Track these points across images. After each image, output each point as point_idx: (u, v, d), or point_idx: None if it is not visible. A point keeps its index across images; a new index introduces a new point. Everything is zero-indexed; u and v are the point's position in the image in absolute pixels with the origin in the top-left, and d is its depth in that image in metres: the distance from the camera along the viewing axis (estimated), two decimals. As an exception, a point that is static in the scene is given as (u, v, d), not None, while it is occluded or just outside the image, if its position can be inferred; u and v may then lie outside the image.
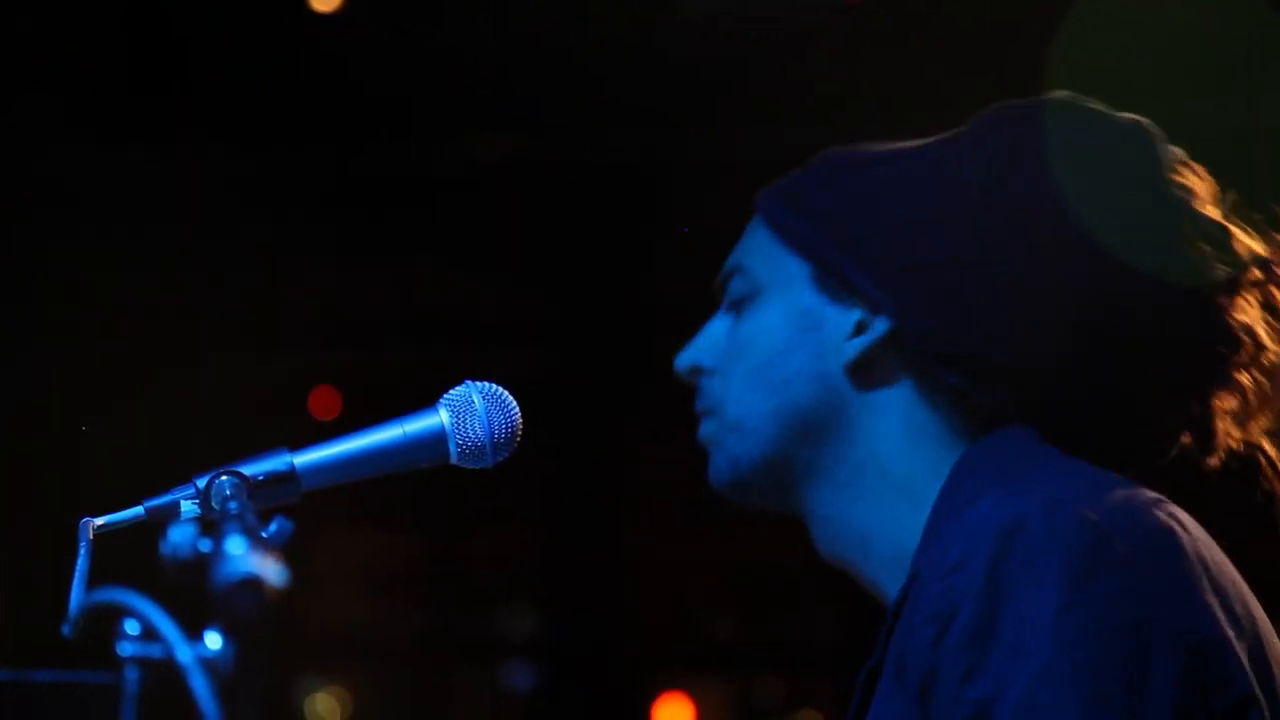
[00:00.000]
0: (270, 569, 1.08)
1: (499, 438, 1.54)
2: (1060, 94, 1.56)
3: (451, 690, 7.54)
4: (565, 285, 5.98)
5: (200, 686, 1.05)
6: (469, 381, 1.56)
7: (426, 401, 1.54)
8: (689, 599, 7.52)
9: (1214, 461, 1.53)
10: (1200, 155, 1.54)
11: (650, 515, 6.60)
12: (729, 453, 1.60)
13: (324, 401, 6.17)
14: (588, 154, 5.16)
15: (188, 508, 1.45)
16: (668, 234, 5.47)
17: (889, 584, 1.53)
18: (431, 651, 7.34)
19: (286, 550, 1.24)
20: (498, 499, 6.64)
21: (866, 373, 1.55)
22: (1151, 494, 1.44)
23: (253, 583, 1.06)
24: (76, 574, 1.39)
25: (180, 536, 1.17)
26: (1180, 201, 1.52)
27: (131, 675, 1.10)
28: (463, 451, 1.54)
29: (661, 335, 6.64)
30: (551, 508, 6.39)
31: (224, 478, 1.46)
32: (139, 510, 1.46)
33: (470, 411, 1.53)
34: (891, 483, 1.53)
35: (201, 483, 1.46)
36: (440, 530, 7.25)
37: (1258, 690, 1.36)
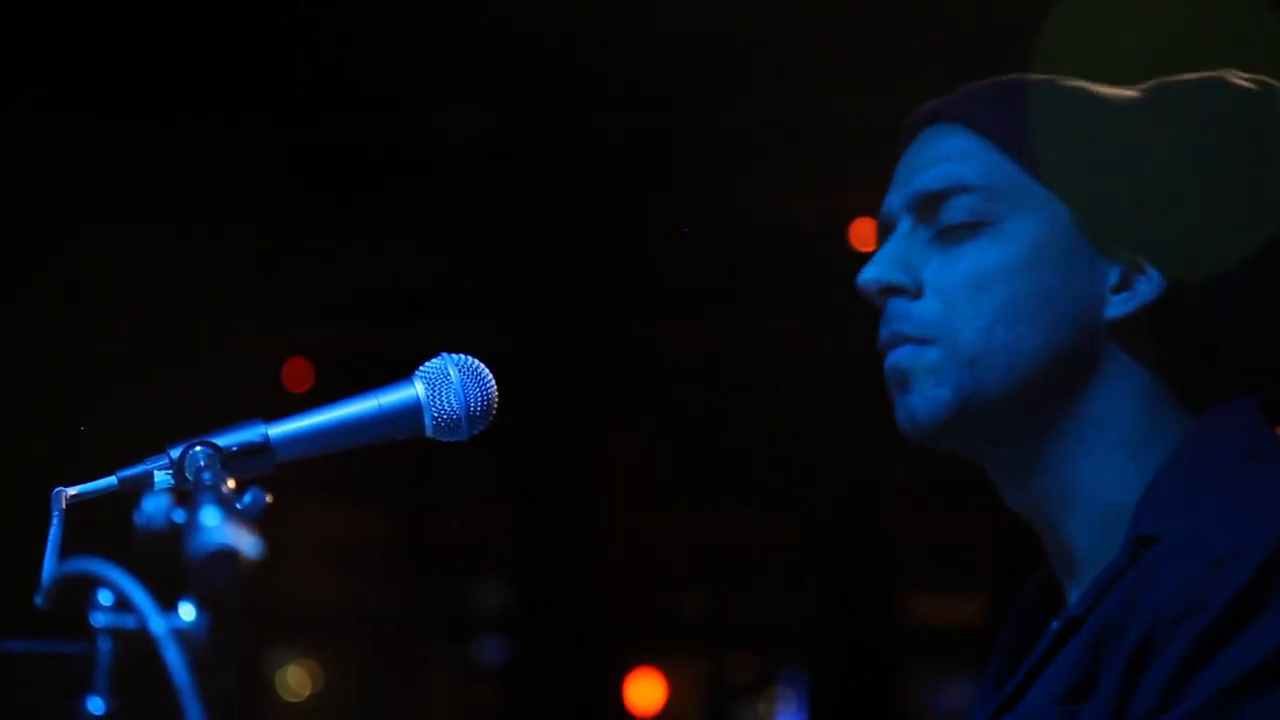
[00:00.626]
0: (245, 540, 1.07)
1: (475, 411, 1.53)
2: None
3: (423, 665, 7.54)
4: (540, 261, 5.96)
5: (174, 657, 1.05)
6: (445, 354, 1.54)
7: (400, 374, 1.53)
8: (662, 576, 7.52)
9: None
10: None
11: (624, 491, 6.60)
12: (958, 386, 1.48)
13: (297, 373, 6.16)
14: (561, 130, 5.14)
15: (161, 478, 1.44)
16: (643, 210, 5.47)
17: (1088, 542, 1.48)
18: (404, 626, 7.34)
19: (260, 522, 1.23)
20: (471, 474, 6.64)
21: (1125, 329, 1.48)
22: None
23: (228, 554, 1.06)
24: (49, 544, 1.38)
25: (154, 507, 1.16)
26: None
27: (104, 646, 1.10)
28: (438, 424, 1.53)
29: (636, 312, 6.68)
30: (525, 483, 6.39)
31: (198, 448, 1.44)
32: (112, 480, 1.45)
33: (446, 384, 1.52)
34: (1126, 442, 1.47)
35: (175, 453, 1.45)
36: (413, 505, 7.25)
37: None
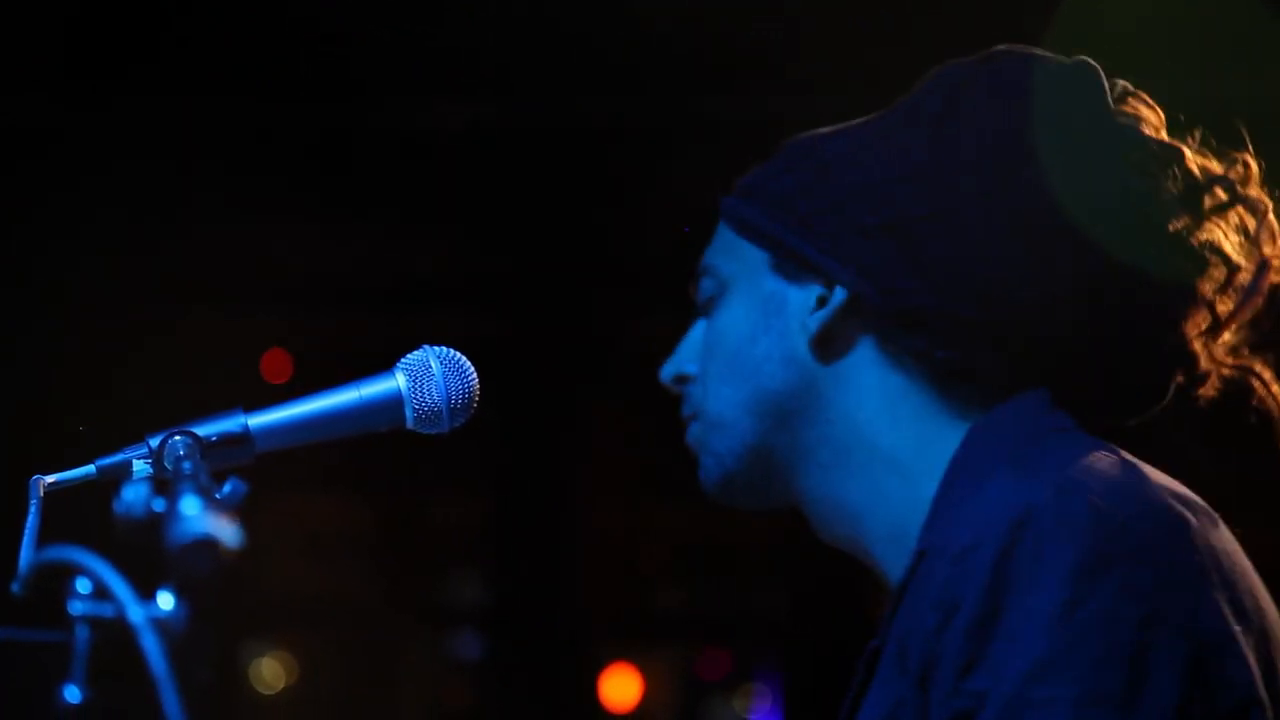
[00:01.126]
0: (225, 529, 1.07)
1: (456, 403, 1.53)
2: (1000, 46, 1.55)
3: (398, 658, 7.53)
4: (520, 253, 5.96)
5: (151, 646, 1.04)
6: (426, 346, 1.54)
7: (380, 365, 1.52)
8: (638, 571, 7.52)
9: (1209, 392, 1.52)
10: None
11: (601, 486, 6.60)
12: (713, 451, 1.59)
13: (276, 364, 6.15)
14: (543, 119, 5.14)
15: (140, 467, 1.44)
16: (625, 202, 5.46)
17: (889, 561, 1.51)
18: (379, 619, 7.33)
19: (238, 512, 1.22)
20: (447, 467, 6.63)
21: (832, 346, 1.53)
22: (1163, 478, 1.42)
23: (207, 543, 1.06)
24: (27, 532, 1.38)
25: (134, 495, 1.16)
26: (1127, 129, 1.50)
27: (82, 634, 1.09)
28: (419, 416, 1.52)
29: (615, 305, 6.66)
30: (502, 477, 6.38)
31: (177, 437, 1.44)
32: (90, 469, 1.45)
33: (427, 376, 1.52)
34: (878, 457, 1.51)
35: (154, 442, 1.44)
36: (389, 497, 7.24)
37: (1261, 689, 1.34)
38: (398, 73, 4.86)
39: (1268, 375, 1.53)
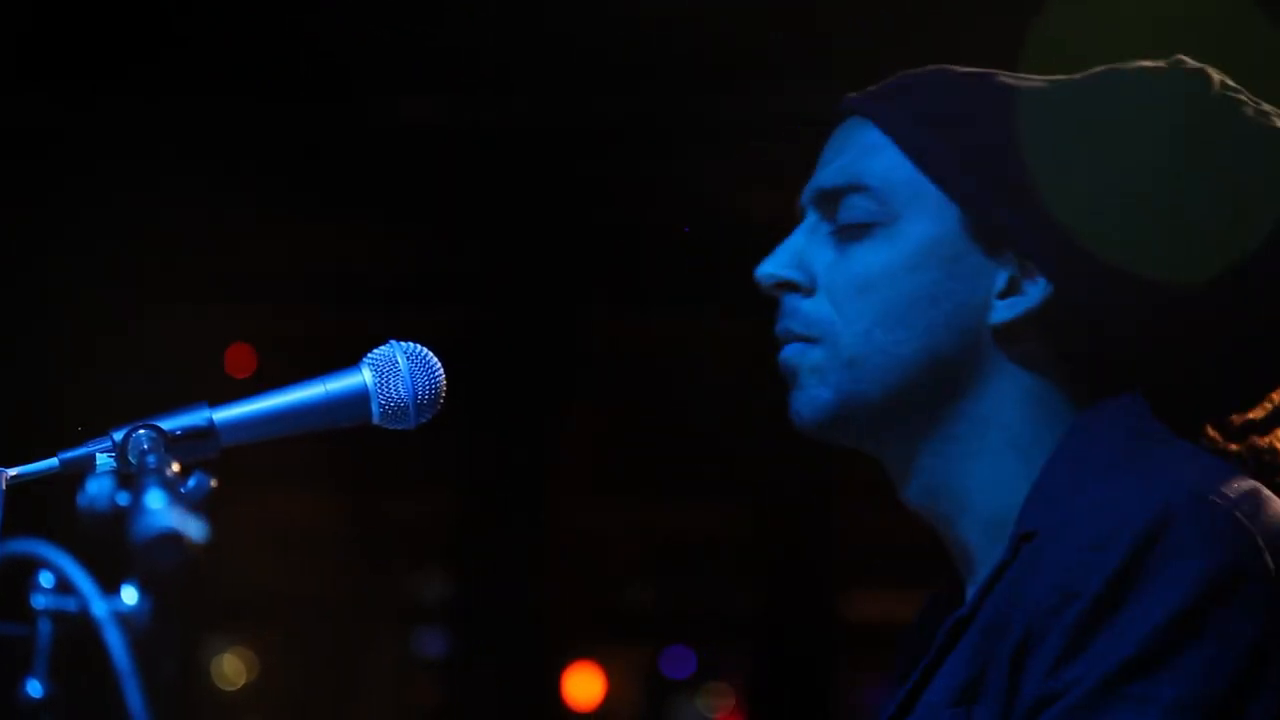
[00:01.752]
0: (190, 524, 1.06)
1: (422, 399, 1.52)
2: (1193, 64, 1.49)
3: (361, 655, 7.51)
4: (488, 249, 5.95)
5: (115, 641, 1.03)
6: (393, 341, 1.53)
7: (344, 360, 1.51)
8: (603, 569, 7.52)
9: (1236, 448, 1.49)
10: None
11: (567, 483, 6.59)
12: (839, 388, 1.49)
13: (239, 359, 6.12)
14: (513, 116, 5.13)
15: (103, 460, 1.43)
16: (593, 196, 5.45)
17: (980, 543, 1.48)
18: (341, 616, 7.31)
19: (203, 506, 1.22)
20: (412, 463, 6.62)
21: (1011, 333, 1.47)
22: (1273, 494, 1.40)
23: (173, 537, 1.05)
24: (-12, 525, 1.36)
25: (98, 489, 1.15)
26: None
27: (45, 628, 1.08)
28: (385, 412, 1.52)
29: (583, 302, 6.64)
30: (467, 473, 6.37)
31: (141, 431, 1.43)
32: (53, 462, 1.44)
33: (394, 371, 1.51)
34: (1011, 443, 1.47)
35: (118, 436, 1.43)
36: (353, 493, 7.22)
37: None
38: (370, 68, 4.84)
39: None
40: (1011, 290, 1.47)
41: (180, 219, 5.33)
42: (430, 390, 1.53)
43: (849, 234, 1.50)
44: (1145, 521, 1.31)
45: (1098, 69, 1.51)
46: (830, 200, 1.52)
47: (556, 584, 6.53)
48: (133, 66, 4.81)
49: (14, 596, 1.11)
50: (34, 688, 1.07)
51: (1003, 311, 1.47)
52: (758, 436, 6.24)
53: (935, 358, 1.48)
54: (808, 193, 1.54)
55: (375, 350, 1.53)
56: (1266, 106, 1.49)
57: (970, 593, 1.49)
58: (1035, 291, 1.47)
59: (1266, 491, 1.38)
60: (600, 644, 7.64)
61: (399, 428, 1.53)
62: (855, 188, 1.50)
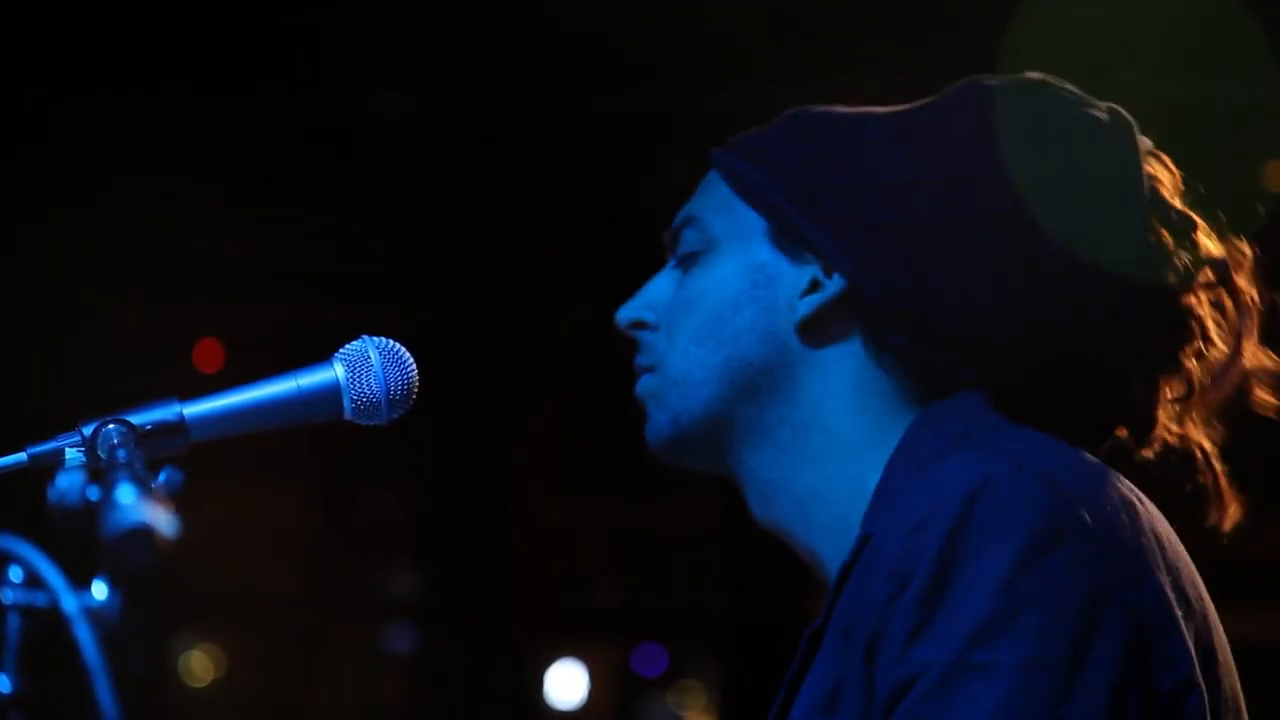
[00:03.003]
0: (161, 518, 1.05)
1: (394, 394, 1.52)
2: (1036, 75, 1.55)
3: (330, 652, 7.49)
4: (455, 244, 5.93)
5: (85, 636, 1.02)
6: (365, 337, 1.53)
7: (311, 356, 1.51)
8: (572, 565, 7.51)
9: (1149, 453, 1.53)
10: (1154, 134, 1.53)
11: (536, 480, 6.58)
12: (670, 409, 1.57)
13: (208, 354, 6.10)
14: (482, 111, 5.12)
15: (73, 455, 1.42)
16: (561, 193, 5.45)
17: (828, 550, 1.51)
18: (310, 612, 7.29)
19: (174, 501, 1.21)
20: (381, 460, 6.60)
21: (818, 331, 1.52)
22: (1108, 467, 1.43)
23: (144, 532, 1.04)
24: (-44, 520, 1.35)
25: (68, 484, 1.14)
26: (1151, 192, 1.51)
27: (14, 623, 1.07)
28: (357, 407, 1.51)
29: (550, 297, 6.60)
30: (436, 470, 6.36)
31: (111, 426, 1.42)
32: (21, 456, 1.42)
33: (366, 367, 1.51)
34: (837, 445, 1.51)
35: (88, 430, 1.42)
36: (323, 489, 7.20)
37: (1198, 674, 1.35)
38: (338, 62, 4.83)
39: (1210, 449, 1.53)
40: (813, 289, 1.53)
41: (149, 214, 5.30)
42: (402, 385, 1.52)
43: (684, 265, 1.59)
44: (961, 496, 1.33)
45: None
46: (675, 237, 1.61)
47: (526, 582, 6.52)
48: (102, 62, 4.79)
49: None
50: (3, 682, 1.06)
51: (802, 308, 1.52)
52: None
53: (743, 362, 1.53)
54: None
55: (347, 345, 1.52)
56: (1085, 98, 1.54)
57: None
58: (833, 284, 1.52)
59: (1096, 462, 1.41)
60: (571, 642, 7.63)
61: (371, 423, 1.52)
62: (688, 221, 1.60)
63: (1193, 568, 1.43)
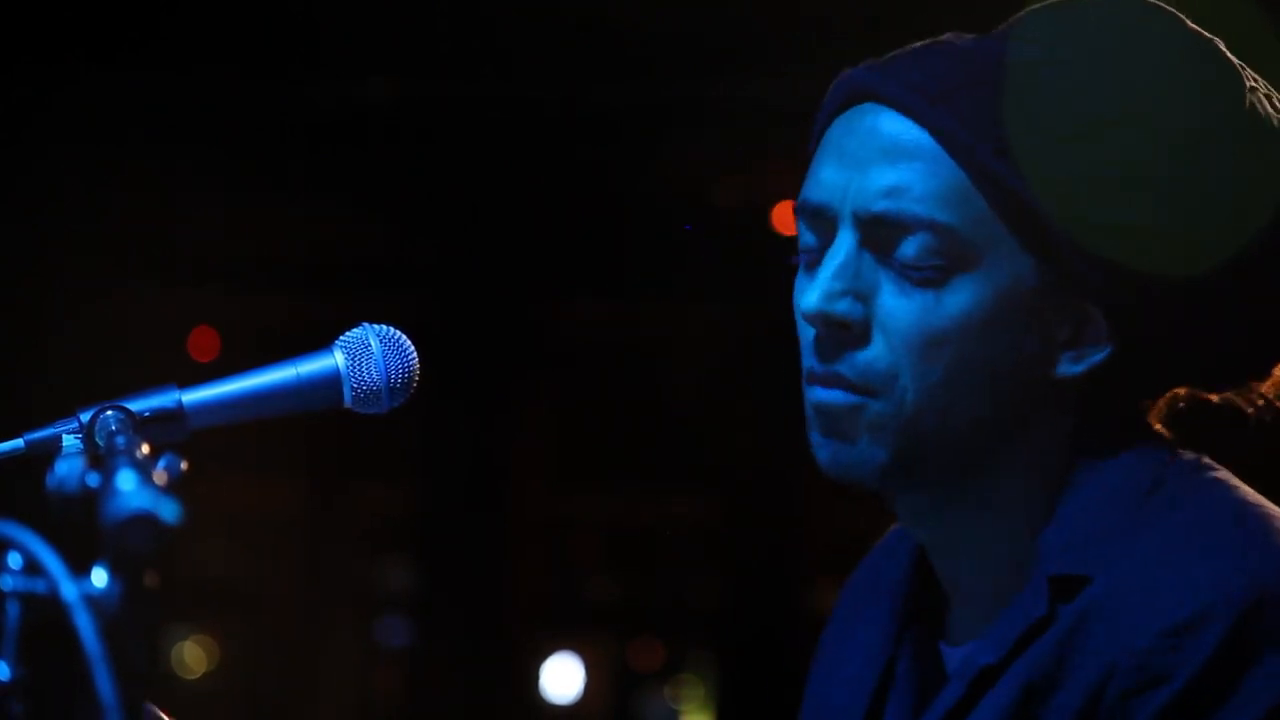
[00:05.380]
0: (164, 505, 1.03)
1: (395, 383, 1.50)
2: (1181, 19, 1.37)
3: (324, 645, 7.48)
4: (451, 235, 5.92)
5: (85, 624, 1.01)
6: (366, 324, 1.51)
7: (308, 345, 1.49)
8: (568, 560, 7.51)
9: (1247, 405, 1.41)
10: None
11: (532, 474, 6.57)
12: (897, 450, 1.34)
13: (203, 342, 6.09)
14: (480, 102, 5.11)
15: (70, 442, 1.40)
16: (563, 185, 5.43)
17: (985, 582, 1.38)
18: (305, 605, 7.28)
19: (175, 488, 1.19)
20: (377, 451, 6.59)
21: (1070, 386, 1.35)
22: None
23: (147, 519, 1.02)
24: (-48, 506, 1.34)
25: (67, 470, 1.12)
26: None
27: (12, 611, 1.06)
28: (358, 396, 1.49)
29: (546, 291, 6.60)
30: (431, 462, 6.35)
31: (109, 412, 1.40)
32: (18, 443, 1.41)
33: (367, 355, 1.49)
34: (1040, 489, 1.37)
35: (86, 416, 1.41)
36: (317, 481, 7.19)
37: None
38: (334, 50, 4.82)
39: None
40: (1077, 341, 1.35)
41: (144, 202, 5.29)
42: (403, 373, 1.51)
43: (911, 275, 1.33)
44: (1238, 604, 1.25)
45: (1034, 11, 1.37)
46: (885, 231, 1.34)
47: (521, 576, 6.51)
48: (98, 49, 4.77)
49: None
50: (2, 670, 1.05)
51: (1068, 366, 1.35)
52: (727, 428, 6.23)
53: (998, 414, 1.35)
54: (845, 203, 1.35)
55: (348, 333, 1.50)
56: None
57: (959, 617, 1.40)
58: (1102, 344, 1.34)
59: None
60: (567, 636, 7.63)
61: (372, 412, 1.51)
62: (923, 225, 1.32)
63: None
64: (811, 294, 1.35)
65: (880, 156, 1.34)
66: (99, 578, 1.04)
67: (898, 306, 1.34)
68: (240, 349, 5.94)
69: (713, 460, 6.21)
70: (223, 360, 5.93)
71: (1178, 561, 1.28)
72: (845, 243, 1.35)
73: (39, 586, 1.05)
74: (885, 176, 1.34)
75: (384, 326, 1.51)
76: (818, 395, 1.36)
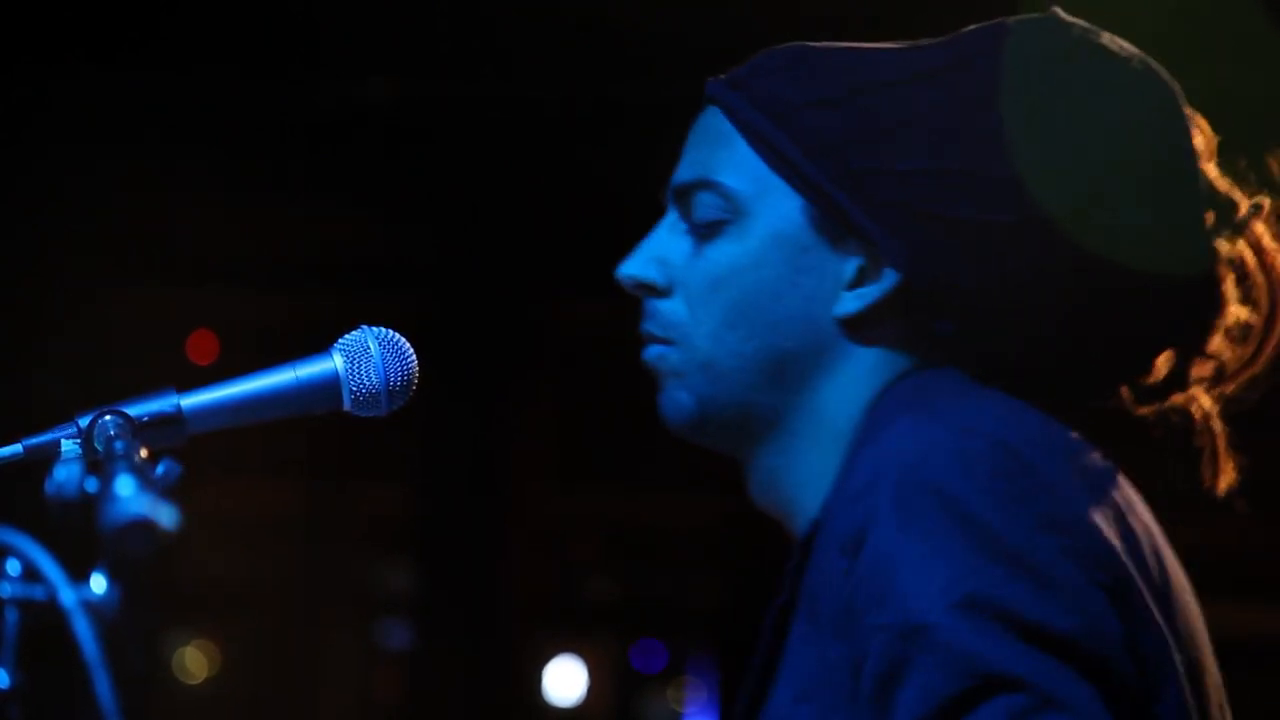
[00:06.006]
0: (162, 510, 1.03)
1: (394, 385, 1.50)
2: (1060, 15, 1.46)
3: (325, 648, 7.48)
4: (448, 233, 5.91)
5: (83, 630, 1.01)
6: (364, 327, 1.51)
7: (306, 346, 1.49)
8: (568, 560, 7.50)
9: (1147, 411, 1.48)
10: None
11: (531, 473, 6.57)
12: (697, 392, 1.49)
13: (202, 345, 6.08)
14: (476, 100, 5.10)
15: (69, 447, 1.40)
16: (559, 185, 5.43)
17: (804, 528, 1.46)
18: (305, 607, 7.27)
19: (173, 493, 1.19)
20: (377, 452, 6.58)
21: (858, 323, 1.45)
22: (1083, 441, 1.40)
23: (144, 524, 1.02)
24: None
25: (66, 476, 1.12)
26: (1194, 159, 1.44)
27: (11, 617, 1.06)
28: (357, 399, 1.49)
29: (547, 290, 6.58)
30: (430, 462, 6.34)
31: (108, 417, 1.40)
32: (17, 448, 1.40)
33: (365, 358, 1.49)
34: (836, 437, 1.45)
35: (84, 422, 1.40)
36: (316, 482, 7.19)
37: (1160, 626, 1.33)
38: (333, 50, 4.81)
39: (1211, 410, 1.49)
40: (860, 280, 1.45)
41: (144, 202, 5.29)
42: (402, 376, 1.51)
43: (703, 231, 1.49)
44: (907, 459, 1.31)
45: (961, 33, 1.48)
46: (684, 196, 1.50)
47: (523, 577, 6.51)
48: (96, 48, 4.77)
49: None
50: (1, 678, 1.04)
51: (850, 303, 1.45)
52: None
53: (782, 353, 1.46)
54: (668, 186, 1.53)
55: (346, 336, 1.50)
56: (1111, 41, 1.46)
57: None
58: (884, 281, 1.44)
59: (1068, 434, 1.38)
60: (569, 638, 7.62)
61: (371, 414, 1.51)
62: (705, 184, 1.49)
63: (1163, 550, 1.41)
64: (622, 264, 1.53)
65: (692, 146, 1.53)
66: (98, 583, 1.04)
67: (690, 261, 1.50)
68: (240, 348, 5.93)
69: (712, 459, 6.21)
70: (222, 361, 5.92)
71: (876, 448, 1.36)
72: (665, 219, 1.53)
73: (38, 593, 1.04)
74: (690, 156, 1.52)
75: (382, 329, 1.51)
76: (642, 356, 1.53)
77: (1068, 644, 1.25)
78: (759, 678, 1.43)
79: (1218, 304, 1.46)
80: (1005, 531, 1.27)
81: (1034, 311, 1.43)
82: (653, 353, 1.51)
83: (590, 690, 7.78)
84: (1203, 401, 1.49)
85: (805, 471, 1.47)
